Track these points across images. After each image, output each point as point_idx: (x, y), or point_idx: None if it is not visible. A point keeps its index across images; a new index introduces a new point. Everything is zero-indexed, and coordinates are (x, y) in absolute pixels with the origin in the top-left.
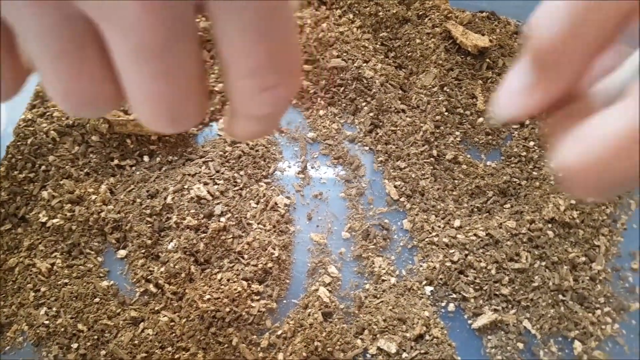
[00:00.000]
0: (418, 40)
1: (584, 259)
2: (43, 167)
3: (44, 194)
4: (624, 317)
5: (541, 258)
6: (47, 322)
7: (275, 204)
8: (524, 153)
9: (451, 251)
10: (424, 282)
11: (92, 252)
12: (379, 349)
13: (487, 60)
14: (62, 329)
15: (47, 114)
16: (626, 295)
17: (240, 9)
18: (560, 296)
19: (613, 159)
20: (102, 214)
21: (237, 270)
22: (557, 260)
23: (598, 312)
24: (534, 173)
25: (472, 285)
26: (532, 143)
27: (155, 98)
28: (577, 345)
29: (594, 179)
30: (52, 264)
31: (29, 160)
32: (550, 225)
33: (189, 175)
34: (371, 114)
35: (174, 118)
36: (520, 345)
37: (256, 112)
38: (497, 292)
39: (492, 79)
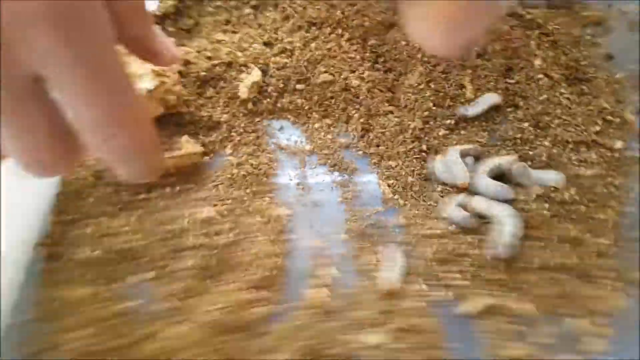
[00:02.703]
0: (404, 42)
1: (588, 235)
2: (84, 209)
3: (88, 230)
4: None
5: (539, 239)
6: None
7: (278, 216)
8: (519, 135)
9: (444, 241)
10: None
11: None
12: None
13: (476, 47)
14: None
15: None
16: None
17: (72, 78)
18: (564, 275)
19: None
20: (133, 243)
21: (247, 280)
22: (557, 239)
23: (609, 288)
24: (530, 153)
25: (468, 273)
26: (526, 124)
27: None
28: (583, 322)
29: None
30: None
31: (73, 203)
32: (546, 205)
33: (200, 199)
34: (361, 120)
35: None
36: (519, 329)
37: (109, 158)
38: (494, 278)
39: (482, 66)
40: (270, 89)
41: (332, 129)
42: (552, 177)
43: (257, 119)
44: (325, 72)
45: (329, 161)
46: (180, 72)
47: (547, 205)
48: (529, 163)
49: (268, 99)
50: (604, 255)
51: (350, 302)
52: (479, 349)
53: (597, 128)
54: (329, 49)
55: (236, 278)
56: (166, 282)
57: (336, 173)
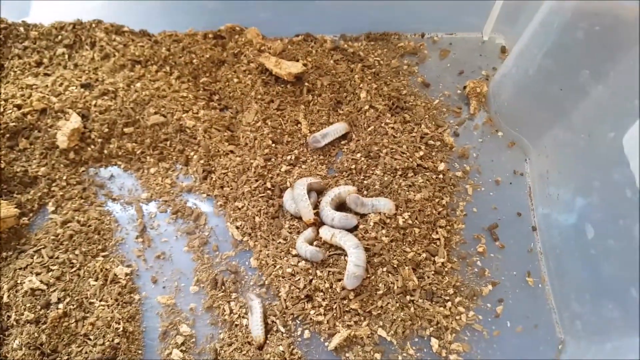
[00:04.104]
0: (236, 80)
1: (425, 255)
2: None
3: None
4: (478, 302)
5: (382, 264)
6: None
7: (115, 276)
8: (354, 166)
9: (296, 279)
10: (277, 316)
11: None
12: None
13: (306, 84)
14: None
15: None
16: (477, 280)
17: None
18: (408, 297)
19: None
20: None
21: (86, 353)
22: (397, 263)
23: (449, 304)
24: (365, 182)
25: (322, 308)
26: (359, 155)
27: None
28: (434, 342)
29: None
30: None
31: None
32: (384, 232)
33: (20, 269)
34: (202, 161)
35: None
36: (378, 356)
37: None
38: (347, 309)
39: (314, 101)
40: (93, 135)
41: (170, 172)
42: (383, 203)
43: (82, 169)
44: (156, 113)
45: (171, 208)
46: None
47: (384, 231)
48: (365, 192)
49: (92, 146)
50: (440, 273)
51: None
52: None
53: (421, 153)
54: (158, 89)
55: (76, 352)
56: None
57: (180, 220)
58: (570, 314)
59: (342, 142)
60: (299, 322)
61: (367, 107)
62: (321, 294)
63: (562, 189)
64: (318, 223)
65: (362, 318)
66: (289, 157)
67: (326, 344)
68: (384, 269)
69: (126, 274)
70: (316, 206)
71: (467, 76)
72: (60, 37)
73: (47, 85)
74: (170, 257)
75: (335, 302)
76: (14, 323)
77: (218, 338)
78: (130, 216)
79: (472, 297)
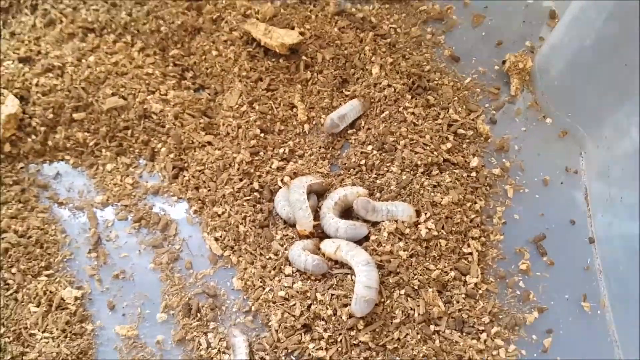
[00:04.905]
0: (215, 52)
1: (453, 274)
2: None
3: None
4: (520, 333)
5: (399, 286)
6: None
7: (62, 300)
8: (363, 161)
9: (291, 304)
10: (267, 351)
11: None
12: None
13: (304, 57)
14: None
15: None
16: (519, 306)
17: None
18: (432, 327)
19: None
20: None
21: None
22: (418, 284)
23: (484, 335)
24: (378, 182)
25: (323, 341)
26: (370, 147)
27: None
28: None
29: None
30: None
31: None
32: (401, 244)
33: None
34: (171, 155)
35: None
36: None
37: None
38: (355, 342)
39: (313, 80)
40: (35, 122)
41: (131, 169)
42: (400, 209)
43: (20, 165)
44: (114, 94)
45: (132, 214)
46: None
47: (402, 244)
48: (378, 194)
49: (33, 136)
50: (473, 296)
51: None
52: None
53: (449, 145)
54: (116, 64)
55: None
56: None
57: (144, 230)
58: (638, 348)
59: (349, 132)
60: (294, 358)
61: (380, 86)
62: (322, 322)
63: (626, 190)
64: (316, 235)
65: (374, 353)
66: (281, 150)
67: None
68: (402, 292)
69: (76, 298)
70: (316, 212)
71: (507, 48)
72: None
73: None
74: (131, 276)
75: (340, 333)
76: None
77: None
78: (82, 225)
79: (513, 327)
